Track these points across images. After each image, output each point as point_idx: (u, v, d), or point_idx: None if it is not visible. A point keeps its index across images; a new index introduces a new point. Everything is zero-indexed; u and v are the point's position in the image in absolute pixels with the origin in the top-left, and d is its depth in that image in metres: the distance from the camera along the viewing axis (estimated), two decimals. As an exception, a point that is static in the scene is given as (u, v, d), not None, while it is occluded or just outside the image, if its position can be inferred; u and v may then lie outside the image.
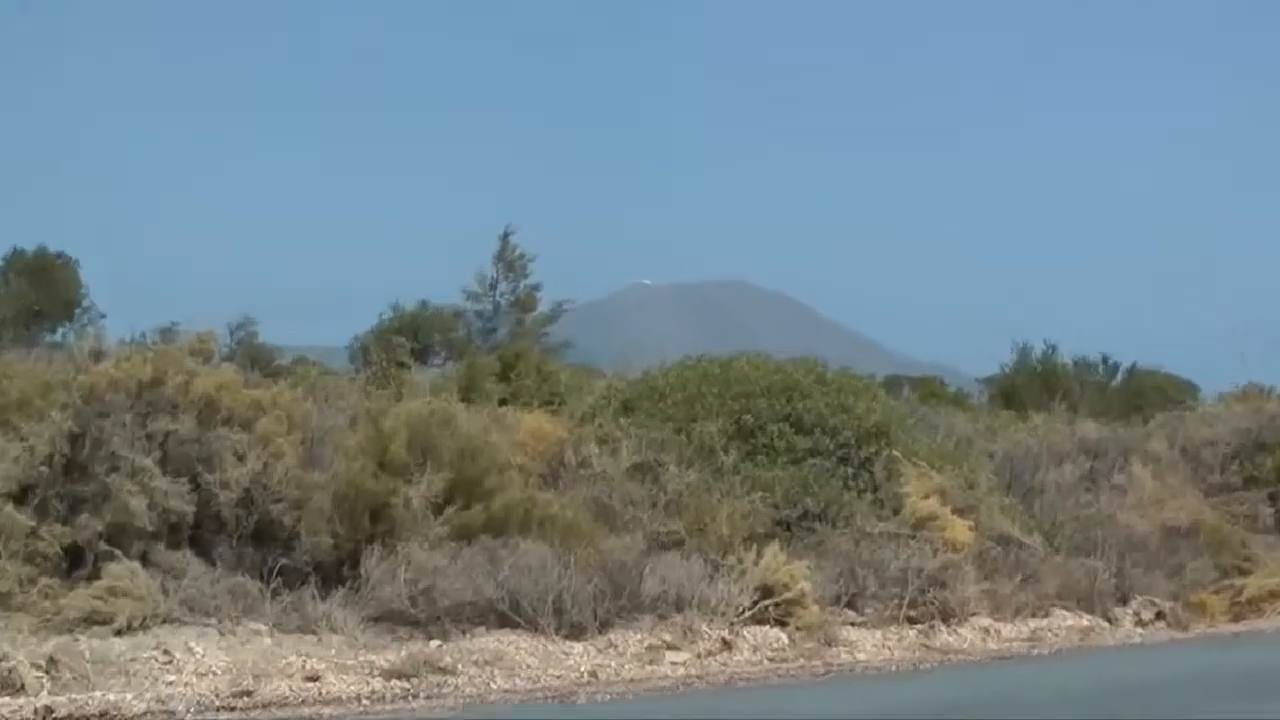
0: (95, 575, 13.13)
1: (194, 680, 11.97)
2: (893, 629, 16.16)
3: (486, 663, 13.29)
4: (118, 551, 13.28)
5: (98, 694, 11.38)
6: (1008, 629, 17.04)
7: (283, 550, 14.03)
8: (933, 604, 16.58)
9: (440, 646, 13.58)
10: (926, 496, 17.92)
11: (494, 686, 12.76)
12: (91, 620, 12.69)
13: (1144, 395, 32.86)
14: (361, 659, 13.00)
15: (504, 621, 14.08)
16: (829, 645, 15.30)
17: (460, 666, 13.11)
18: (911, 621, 16.40)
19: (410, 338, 28.60)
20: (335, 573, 14.10)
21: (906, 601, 16.38)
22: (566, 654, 13.87)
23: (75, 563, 13.37)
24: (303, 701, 11.85)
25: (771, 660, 14.62)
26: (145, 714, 11.25)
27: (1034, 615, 17.61)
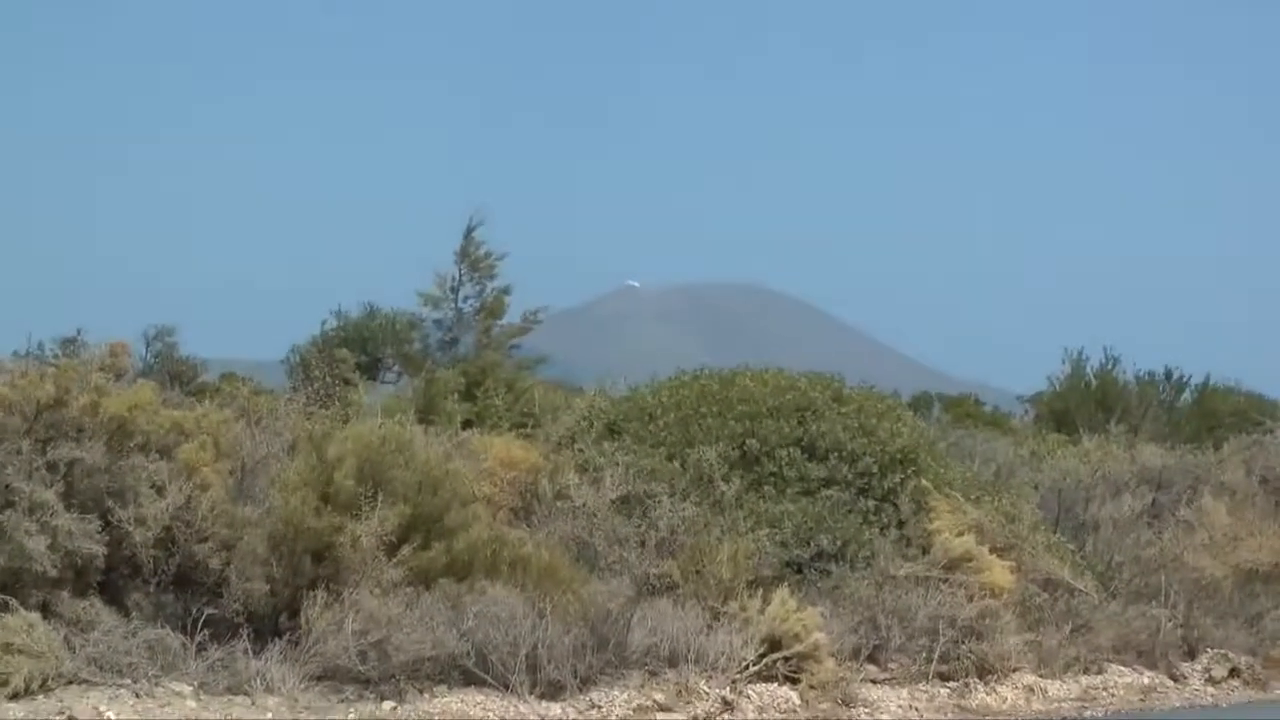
0: (-13, 628, 13.17)
1: (105, 750, 12.02)
2: (921, 687, 16.27)
3: (447, 728, 13.34)
4: (13, 601, 13.34)
5: (-9, 767, 11.45)
6: (1055, 687, 17.16)
7: (209, 598, 14.10)
8: (968, 658, 16.71)
9: (395, 709, 13.66)
10: (960, 534, 18.04)
11: (456, 755, 12.84)
12: (-17, 681, 12.72)
13: (1217, 416, 32.98)
14: (301, 724, 13.04)
15: (469, 679, 14.17)
16: (847, 705, 15.41)
17: (417, 732, 13.15)
18: (943, 678, 16.52)
19: (357, 350, 28.62)
20: (271, 624, 14.17)
21: (937, 655, 16.51)
22: (542, 717, 13.97)
23: (-38, 614, 13.42)
24: (233, 774, 11.91)
25: (780, 724, 14.71)
26: (48, 789, 11.30)
27: (1086, 671, 17.74)
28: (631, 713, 14.30)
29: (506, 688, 14.09)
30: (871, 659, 16.44)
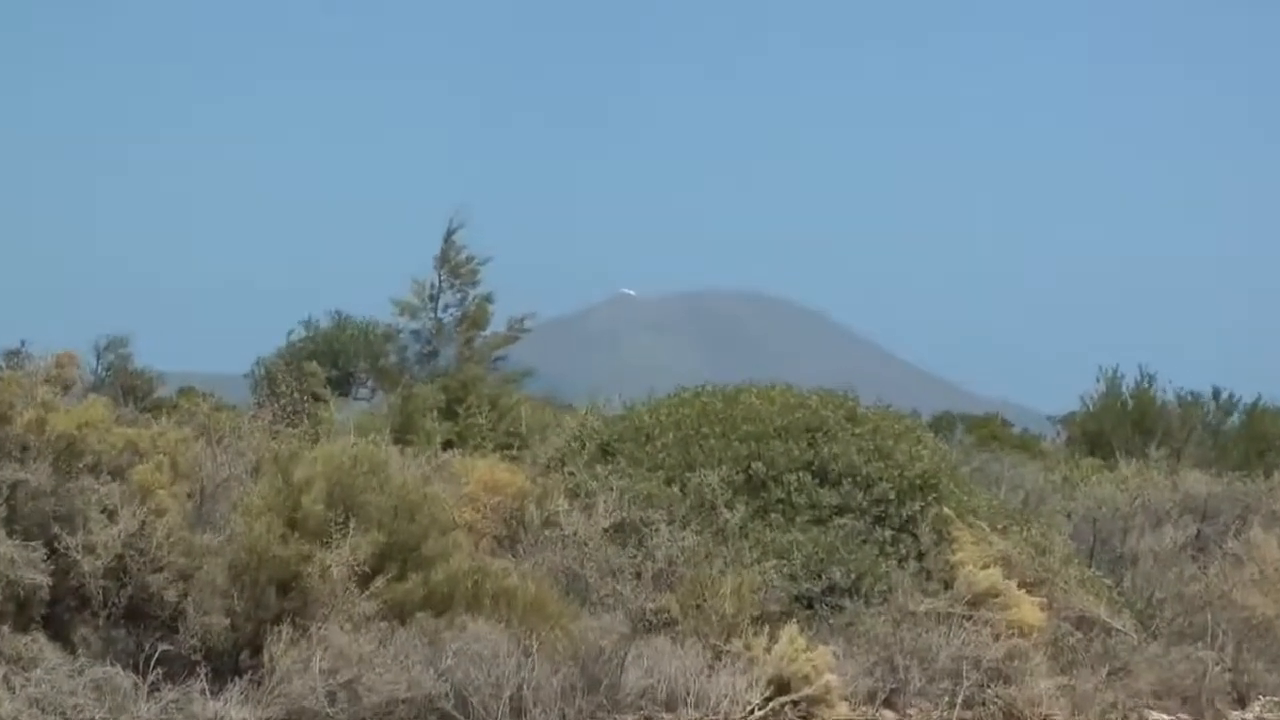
0: (-81, 666, 13.15)
1: (49, 799, 11.99)
2: (943, 735, 16.26)
3: (424, 777, 13.32)
4: (-50, 635, 13.32)
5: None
6: (1090, 735, 17.14)
7: (164, 633, 14.08)
8: (994, 703, 16.71)
9: (365, 756, 13.63)
10: (986, 566, 18.06)
11: (433, 807, 12.82)
12: (-85, 724, 12.70)
13: (1268, 439, 33.03)
14: (264, 772, 13.01)
15: (447, 724, 14.14)
16: (862, 755, 15.42)
17: (390, 782, 13.12)
18: (967, 725, 16.52)
19: (328, 363, 28.70)
20: (231, 661, 14.15)
21: (960, 699, 16.51)
22: (526, 766, 13.94)
23: (-107, 650, 13.40)
24: (188, 826, 11.87)
25: (788, 774, 14.71)
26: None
27: (1124, 719, 17.72)
28: (625, 761, 14.28)
29: (489, 733, 14.05)
30: (888, 703, 16.45)
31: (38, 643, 13.68)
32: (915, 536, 18.46)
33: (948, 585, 17.94)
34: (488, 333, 29.72)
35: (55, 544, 13.97)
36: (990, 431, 34.84)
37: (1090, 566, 19.97)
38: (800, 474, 18.55)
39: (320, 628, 14.00)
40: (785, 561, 17.33)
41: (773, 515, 18.21)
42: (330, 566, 14.30)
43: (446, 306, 29.47)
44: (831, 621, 17.03)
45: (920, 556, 18.30)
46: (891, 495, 18.69)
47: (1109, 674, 18.02)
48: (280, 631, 13.98)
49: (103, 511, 14.20)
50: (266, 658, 13.92)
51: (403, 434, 21.60)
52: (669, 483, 18.32)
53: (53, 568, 13.89)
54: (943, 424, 34.14)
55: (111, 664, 13.65)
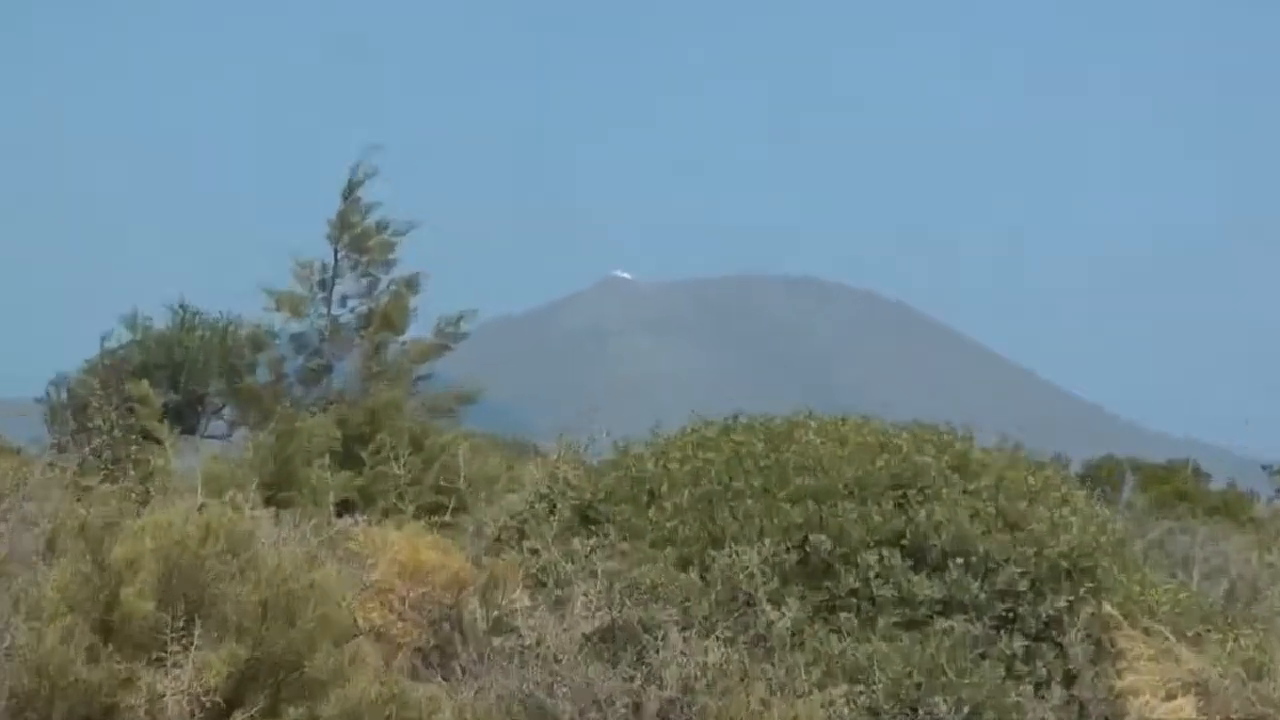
0: None
1: None
2: None
3: None
4: None
5: None
6: None
7: (-91, 798, 14.03)
8: None
9: None
10: (1172, 696, 18.04)
11: None
12: None
13: None
14: None
15: None
16: None
17: None
18: None
19: (165, 383, 28.67)
20: (12, 842, 14.09)
21: None
22: None
23: None
24: None
25: None
26: None
27: None
28: None
29: None
30: None
31: None
32: (1061, 648, 18.45)
33: (1112, 723, 17.96)
34: (406, 338, 29.65)
35: None
36: (1175, 487, 34.96)
37: (1330, 695, 19.97)
38: (884, 552, 18.49)
39: (149, 790, 13.96)
40: (862, 686, 17.30)
41: (842, 615, 18.16)
42: (164, 695, 14.22)
43: (346, 298, 29.39)
44: (934, 777, 17.04)
45: (1069, 679, 18.28)
46: (1024, 585, 18.63)
47: None
48: (87, 795, 13.96)
49: None
50: (66, 836, 13.90)
51: (278, 490, 21.59)
52: (684, 565, 18.31)
53: None
54: (1103, 475, 34.30)
55: None
